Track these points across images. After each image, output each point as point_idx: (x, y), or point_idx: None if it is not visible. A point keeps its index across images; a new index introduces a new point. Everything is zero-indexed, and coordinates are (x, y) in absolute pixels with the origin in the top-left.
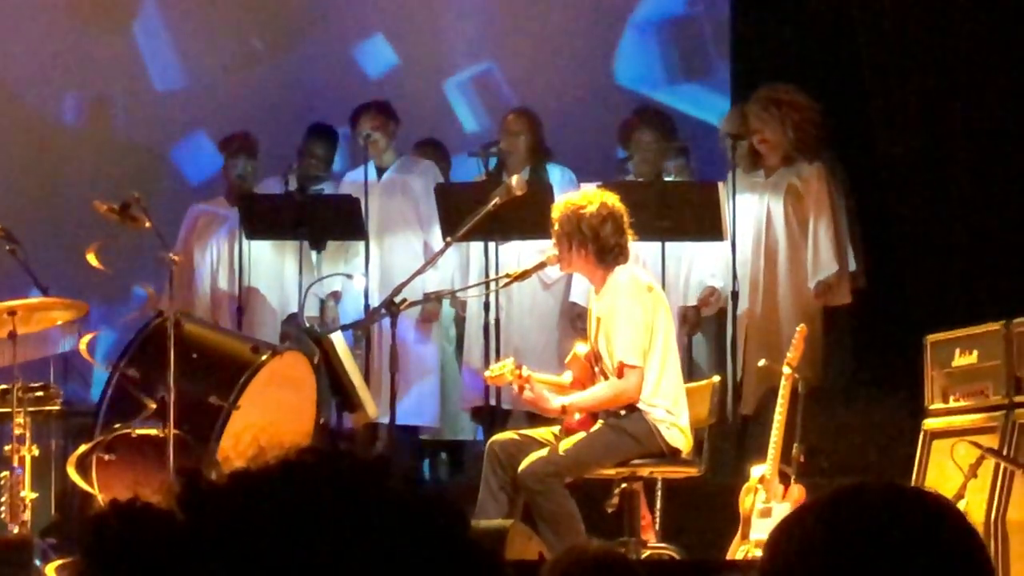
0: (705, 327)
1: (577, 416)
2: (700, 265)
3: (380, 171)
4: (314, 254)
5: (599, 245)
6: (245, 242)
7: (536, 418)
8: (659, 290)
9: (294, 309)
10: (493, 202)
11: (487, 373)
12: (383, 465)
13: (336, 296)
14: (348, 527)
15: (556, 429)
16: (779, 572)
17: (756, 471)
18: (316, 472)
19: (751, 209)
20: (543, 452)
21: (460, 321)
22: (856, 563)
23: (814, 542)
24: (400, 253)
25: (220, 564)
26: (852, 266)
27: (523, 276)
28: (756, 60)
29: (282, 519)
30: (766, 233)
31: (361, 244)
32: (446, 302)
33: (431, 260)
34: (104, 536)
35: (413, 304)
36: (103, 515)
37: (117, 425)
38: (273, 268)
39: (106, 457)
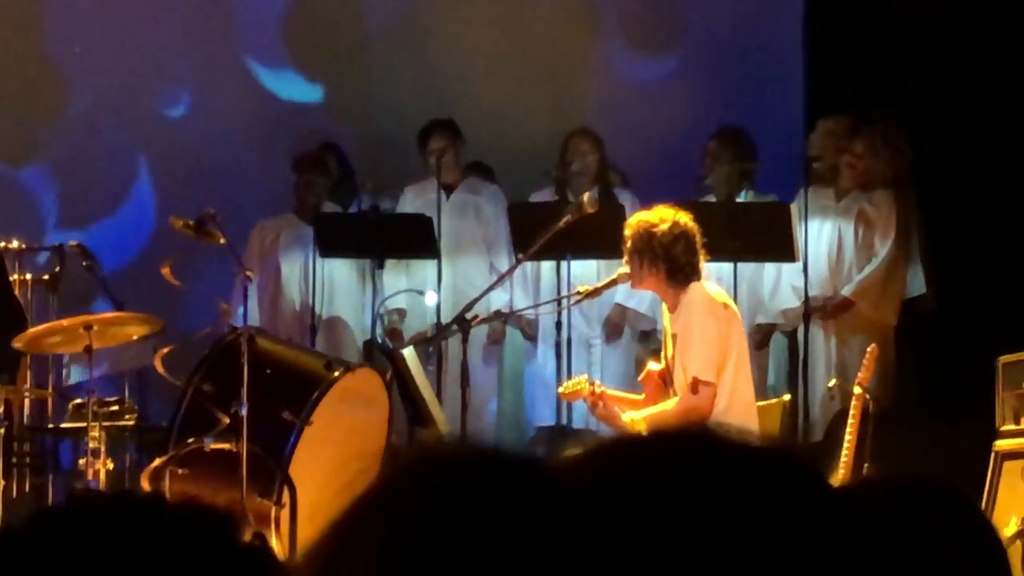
0: (778, 347)
1: None
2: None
3: (447, 189)
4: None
5: (670, 264)
6: (318, 259)
7: None
8: (734, 307)
9: (363, 325)
10: (564, 219)
11: (561, 389)
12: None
13: (401, 313)
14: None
15: None
16: None
17: None
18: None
19: (823, 232)
20: None
21: (529, 340)
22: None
23: None
24: (468, 272)
25: None
26: (923, 288)
27: (595, 293)
28: (830, 82)
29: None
30: (837, 256)
31: (423, 260)
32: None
33: (502, 277)
34: None
35: (484, 321)
36: None
37: (191, 439)
38: (345, 285)
39: (180, 471)
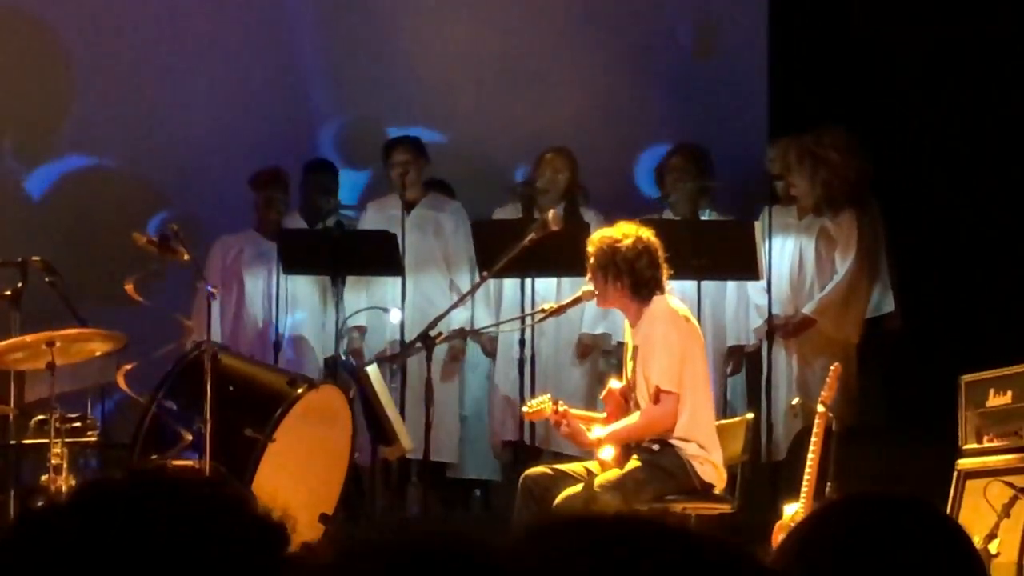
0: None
1: (611, 453)
2: (749, 302)
3: (408, 205)
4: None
5: (634, 278)
6: (281, 276)
7: (565, 457)
8: (695, 323)
9: (325, 341)
10: (529, 237)
11: (525, 409)
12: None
13: (361, 330)
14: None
15: (588, 464)
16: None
17: (789, 509)
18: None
19: (784, 250)
20: (578, 488)
21: (489, 357)
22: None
23: (821, 549)
24: (428, 288)
25: None
26: (892, 307)
27: (559, 311)
28: (795, 96)
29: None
30: (798, 274)
31: (382, 277)
32: (468, 340)
33: (467, 294)
34: None
35: (449, 338)
36: None
37: (153, 456)
38: (308, 302)
39: None
